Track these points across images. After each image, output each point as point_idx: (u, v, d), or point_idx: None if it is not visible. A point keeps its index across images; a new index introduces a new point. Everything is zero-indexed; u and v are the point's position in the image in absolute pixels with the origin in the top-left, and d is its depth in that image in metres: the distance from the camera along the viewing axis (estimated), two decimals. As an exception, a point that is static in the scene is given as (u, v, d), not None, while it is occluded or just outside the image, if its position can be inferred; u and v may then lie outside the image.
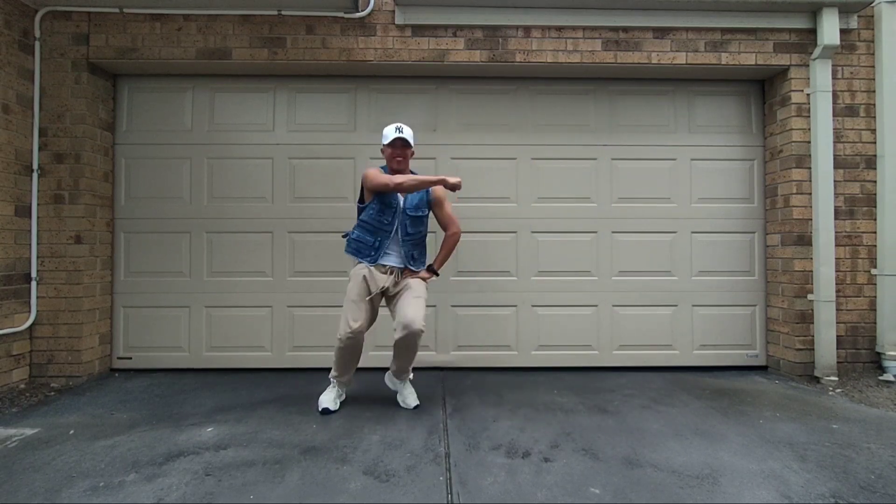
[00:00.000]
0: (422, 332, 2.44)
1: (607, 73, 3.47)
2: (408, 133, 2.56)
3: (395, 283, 2.57)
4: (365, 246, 2.56)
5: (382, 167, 2.63)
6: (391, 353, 3.51)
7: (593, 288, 3.50)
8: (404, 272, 2.60)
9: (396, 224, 2.54)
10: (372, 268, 2.53)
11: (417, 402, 2.63)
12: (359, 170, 3.48)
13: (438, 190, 2.61)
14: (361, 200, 2.64)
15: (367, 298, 2.51)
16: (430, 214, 2.68)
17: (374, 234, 2.55)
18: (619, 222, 3.53)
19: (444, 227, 2.70)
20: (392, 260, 2.58)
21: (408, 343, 2.47)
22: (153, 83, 3.47)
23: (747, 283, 3.55)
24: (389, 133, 2.55)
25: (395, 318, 2.52)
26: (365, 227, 2.58)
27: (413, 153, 2.62)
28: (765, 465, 1.98)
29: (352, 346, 2.52)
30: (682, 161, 3.55)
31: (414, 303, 2.46)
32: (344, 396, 2.71)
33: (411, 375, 2.73)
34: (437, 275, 2.71)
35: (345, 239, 2.68)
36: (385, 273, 2.55)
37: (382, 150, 2.63)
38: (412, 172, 2.63)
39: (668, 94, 3.57)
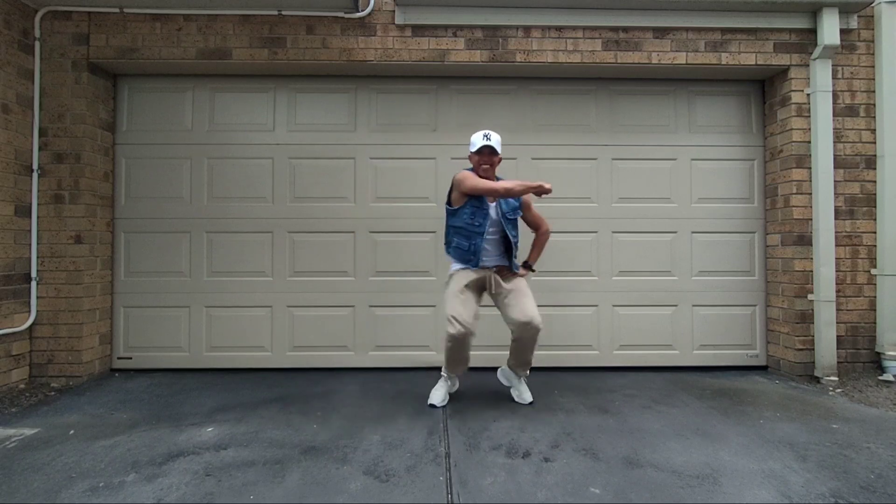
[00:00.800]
0: (540, 328, 2.54)
1: (607, 73, 3.47)
2: (495, 140, 2.58)
3: (497, 283, 2.62)
4: (463, 251, 2.63)
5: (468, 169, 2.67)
6: (390, 353, 3.53)
7: (594, 288, 3.50)
8: (503, 271, 2.66)
9: (487, 226, 2.58)
10: (471, 270, 2.62)
11: (532, 399, 2.72)
12: (359, 170, 3.48)
13: (527, 195, 2.62)
14: (450, 203, 2.66)
15: (469, 292, 2.59)
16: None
17: (468, 238, 2.60)
18: (620, 222, 3.53)
19: (536, 228, 2.81)
20: (491, 260, 2.65)
21: (528, 339, 2.58)
22: (153, 83, 3.47)
23: (747, 283, 3.55)
24: (477, 140, 2.58)
25: (507, 318, 2.61)
26: (460, 232, 2.63)
27: (500, 159, 2.65)
28: (765, 465, 1.98)
29: (461, 342, 2.52)
30: (682, 161, 3.55)
31: (527, 301, 2.58)
32: (455, 388, 2.82)
33: (528, 372, 2.78)
34: (534, 270, 2.85)
35: (445, 246, 2.75)
36: (486, 273, 2.63)
37: (469, 157, 2.65)
38: (497, 179, 2.66)
39: (669, 94, 3.57)
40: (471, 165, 2.65)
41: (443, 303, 2.66)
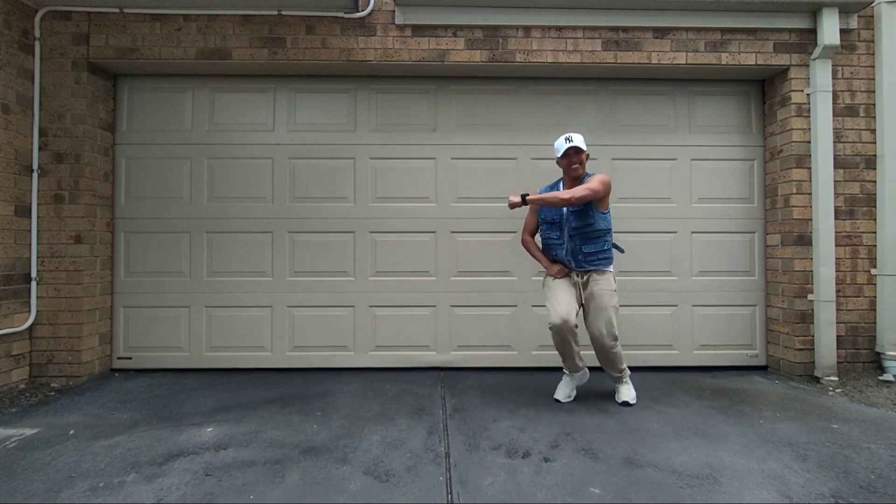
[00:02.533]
0: (609, 345, 2.61)
1: (607, 73, 3.47)
2: (578, 140, 2.61)
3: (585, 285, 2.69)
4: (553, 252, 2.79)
5: (549, 186, 2.82)
6: (390, 353, 3.54)
7: (593, 288, 3.50)
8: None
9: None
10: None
11: (627, 399, 2.70)
12: (359, 170, 3.48)
13: (596, 175, 2.65)
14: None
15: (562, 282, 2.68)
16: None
17: (559, 243, 2.73)
18: (620, 222, 3.50)
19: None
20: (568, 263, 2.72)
21: (599, 353, 2.66)
22: (153, 83, 3.47)
23: (747, 283, 3.55)
24: (561, 146, 2.62)
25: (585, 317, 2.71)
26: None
27: (588, 155, 2.66)
28: (765, 465, 1.98)
29: (559, 334, 2.59)
30: (682, 161, 3.55)
31: (596, 309, 2.63)
32: (586, 377, 2.84)
33: (625, 376, 2.77)
34: (524, 201, 2.61)
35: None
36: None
37: (558, 163, 2.68)
38: (587, 175, 2.69)
39: (668, 94, 3.57)
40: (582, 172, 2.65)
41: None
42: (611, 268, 2.71)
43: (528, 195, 2.56)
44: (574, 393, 2.79)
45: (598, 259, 2.66)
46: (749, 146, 3.57)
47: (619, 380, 2.76)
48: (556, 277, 2.72)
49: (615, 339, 2.62)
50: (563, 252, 2.68)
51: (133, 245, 3.43)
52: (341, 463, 1.98)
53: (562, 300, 2.61)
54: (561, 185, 2.76)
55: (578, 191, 2.53)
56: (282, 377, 3.24)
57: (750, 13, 3.28)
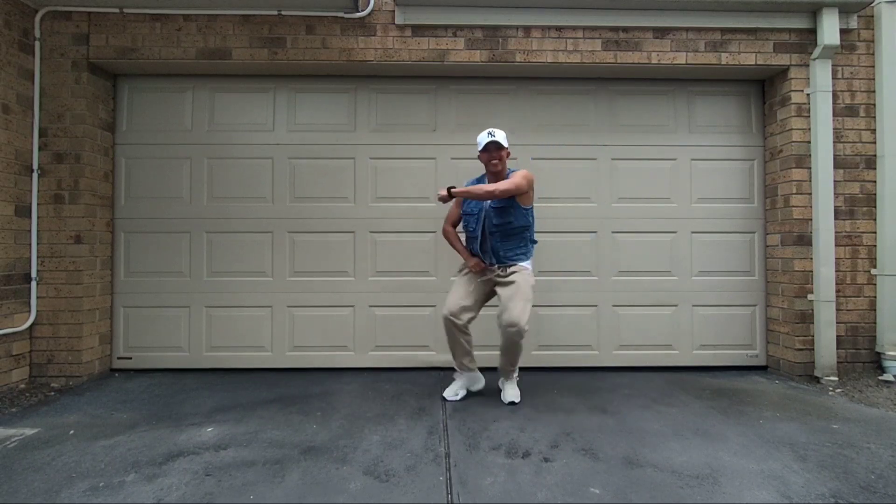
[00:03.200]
0: (524, 330, 2.57)
1: (607, 73, 3.47)
2: (500, 136, 2.63)
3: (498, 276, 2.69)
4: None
5: (475, 179, 2.84)
6: (390, 353, 3.54)
7: (593, 288, 3.50)
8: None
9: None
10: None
11: (513, 399, 2.70)
12: (359, 170, 3.48)
13: (518, 170, 2.69)
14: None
15: (467, 278, 2.73)
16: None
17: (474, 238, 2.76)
18: (619, 222, 3.53)
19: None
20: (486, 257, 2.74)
21: (506, 343, 2.63)
22: (153, 83, 3.47)
23: (747, 283, 3.55)
24: (482, 139, 2.64)
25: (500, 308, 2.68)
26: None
27: (509, 153, 2.68)
28: (765, 465, 1.98)
29: (446, 326, 2.67)
30: (682, 161, 3.55)
31: (514, 299, 2.59)
32: (480, 384, 2.85)
33: (516, 374, 2.79)
34: (450, 194, 2.58)
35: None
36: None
37: (479, 157, 2.70)
38: (509, 171, 2.72)
39: (668, 94, 3.57)
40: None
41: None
42: (528, 263, 2.72)
43: (453, 188, 2.57)
44: (462, 392, 2.78)
45: (515, 255, 2.68)
46: (749, 146, 3.57)
47: (510, 375, 2.77)
48: (472, 271, 2.74)
49: (522, 333, 2.58)
50: (479, 245, 2.71)
51: (133, 245, 3.43)
52: (341, 463, 1.98)
53: (457, 295, 2.68)
54: (486, 179, 2.78)
55: (503, 184, 2.56)
56: (282, 377, 3.24)
57: (750, 13, 3.28)
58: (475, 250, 2.75)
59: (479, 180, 2.82)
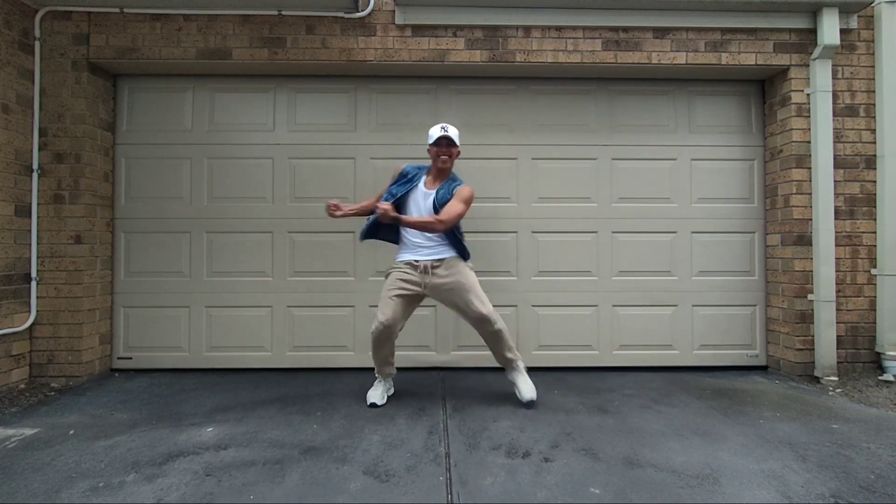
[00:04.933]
0: (492, 318, 2.55)
1: (607, 73, 3.47)
2: (453, 132, 2.59)
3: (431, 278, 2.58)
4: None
5: (418, 167, 2.72)
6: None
7: (593, 288, 3.50)
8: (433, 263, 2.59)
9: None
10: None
11: (531, 397, 2.61)
12: (359, 170, 3.48)
13: (463, 192, 2.58)
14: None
15: (397, 296, 2.58)
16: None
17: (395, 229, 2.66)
18: (619, 222, 3.53)
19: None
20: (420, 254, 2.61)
21: (488, 336, 2.63)
22: (153, 83, 3.47)
23: (747, 283, 3.55)
24: (434, 132, 2.59)
25: (455, 309, 2.65)
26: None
27: (458, 153, 2.65)
28: (765, 465, 1.98)
29: (381, 339, 2.59)
30: (682, 161, 3.55)
31: (468, 293, 2.56)
32: (391, 391, 2.80)
33: (519, 361, 2.72)
34: (395, 217, 2.50)
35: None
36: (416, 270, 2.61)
37: (428, 150, 2.66)
38: (453, 175, 2.68)
39: (668, 94, 3.57)
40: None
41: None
42: (459, 257, 2.65)
43: (400, 217, 2.48)
44: (387, 396, 2.74)
45: (442, 247, 2.60)
46: (749, 146, 3.58)
47: (514, 365, 2.69)
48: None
49: (495, 324, 2.54)
50: (425, 243, 2.60)
51: (133, 245, 3.43)
52: (341, 463, 1.98)
53: (390, 311, 2.53)
54: (424, 174, 2.68)
55: (450, 217, 2.48)
56: (282, 377, 3.24)
57: (750, 13, 3.28)
58: (408, 251, 2.63)
59: (419, 170, 2.69)
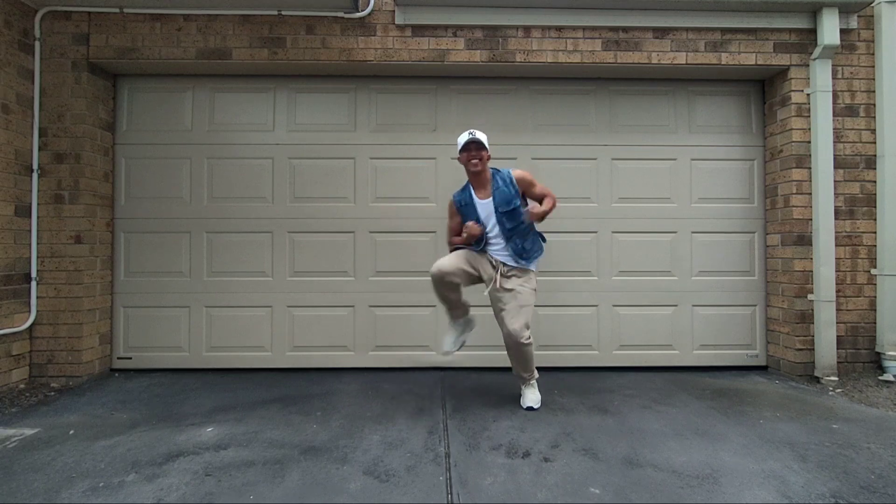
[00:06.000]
0: (521, 342, 2.53)
1: (607, 73, 3.47)
2: (481, 136, 2.58)
3: (498, 280, 2.60)
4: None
5: (460, 190, 2.71)
6: (390, 353, 3.54)
7: (593, 288, 3.50)
8: (509, 270, 2.62)
9: (484, 221, 2.64)
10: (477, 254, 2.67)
11: (532, 405, 2.62)
12: (359, 170, 3.48)
13: (526, 177, 2.65)
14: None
15: (464, 255, 2.63)
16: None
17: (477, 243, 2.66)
18: (619, 222, 3.53)
19: (541, 200, 2.69)
20: (497, 253, 2.64)
21: (510, 350, 2.61)
22: (153, 83, 3.47)
23: (747, 283, 3.55)
24: (463, 139, 2.58)
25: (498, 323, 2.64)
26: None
27: (489, 156, 2.64)
28: (765, 465, 1.98)
29: (438, 282, 2.57)
30: (682, 161, 3.55)
31: (515, 309, 2.56)
32: (471, 327, 2.81)
33: (534, 378, 2.71)
34: (537, 215, 2.56)
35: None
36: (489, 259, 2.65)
37: (459, 158, 2.65)
38: (494, 173, 2.66)
39: (668, 94, 3.57)
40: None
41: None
42: (534, 265, 2.67)
43: (538, 213, 2.52)
44: (462, 341, 2.77)
45: (534, 251, 2.65)
46: (749, 146, 3.57)
47: (526, 382, 2.70)
48: (474, 231, 2.56)
49: (521, 344, 2.54)
50: (502, 249, 2.62)
51: (133, 245, 3.43)
52: (341, 463, 1.98)
53: (451, 259, 2.59)
54: (470, 189, 2.67)
55: (550, 199, 2.61)
56: (282, 377, 3.24)
57: (750, 13, 3.28)
58: (482, 247, 2.65)
59: (466, 190, 2.70)
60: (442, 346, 2.71)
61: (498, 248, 2.64)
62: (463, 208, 2.67)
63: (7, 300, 2.94)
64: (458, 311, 2.74)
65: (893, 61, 3.27)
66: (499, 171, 2.66)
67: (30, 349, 3.10)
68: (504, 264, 2.62)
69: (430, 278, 2.59)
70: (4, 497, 1.73)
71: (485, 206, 2.62)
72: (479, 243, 2.64)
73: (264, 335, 3.43)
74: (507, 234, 2.59)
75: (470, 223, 2.57)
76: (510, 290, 2.58)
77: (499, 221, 2.59)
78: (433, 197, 3.47)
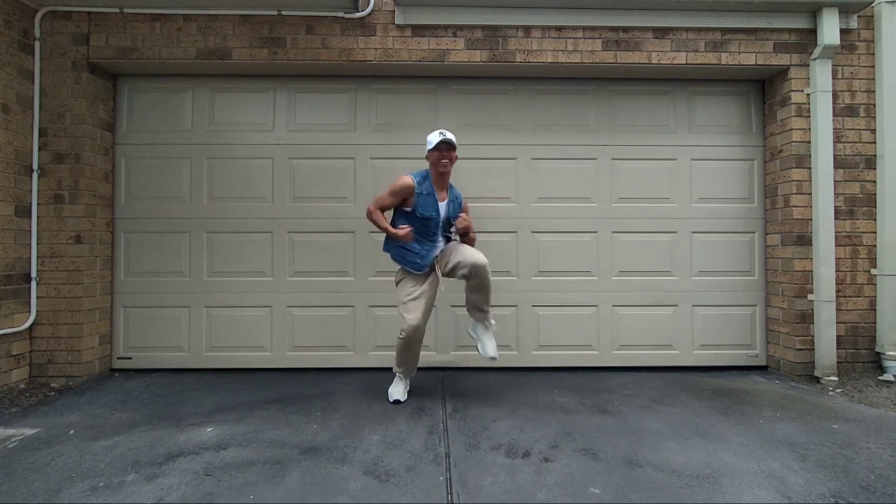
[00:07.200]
0: (487, 264, 2.60)
1: (607, 73, 3.47)
2: (451, 136, 2.64)
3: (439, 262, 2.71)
4: (411, 254, 2.69)
5: (421, 175, 2.70)
6: (390, 353, 3.52)
7: (593, 288, 3.50)
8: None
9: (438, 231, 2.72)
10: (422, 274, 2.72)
11: (494, 355, 2.67)
12: (359, 170, 3.48)
13: (466, 207, 2.89)
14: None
15: (421, 293, 2.67)
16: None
17: (420, 243, 2.68)
18: (619, 222, 3.53)
19: (464, 234, 2.81)
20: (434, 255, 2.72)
21: (478, 280, 2.62)
22: (153, 83, 3.47)
23: (747, 283, 3.55)
24: (433, 138, 2.63)
25: (453, 268, 2.65)
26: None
27: (456, 157, 2.71)
28: (765, 465, 1.98)
29: (411, 342, 2.65)
30: (682, 161, 3.55)
31: (465, 249, 2.64)
32: (408, 387, 2.84)
33: (493, 321, 2.76)
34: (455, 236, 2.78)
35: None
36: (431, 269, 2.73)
37: (427, 156, 2.69)
38: (452, 187, 2.79)
39: (668, 94, 3.57)
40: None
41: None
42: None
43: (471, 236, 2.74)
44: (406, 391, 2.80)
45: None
46: (749, 146, 3.58)
47: (485, 319, 2.72)
48: (407, 239, 2.63)
49: (487, 268, 2.61)
50: (436, 250, 2.71)
51: (133, 245, 3.43)
52: (341, 463, 1.98)
53: (420, 311, 2.62)
54: (429, 181, 2.68)
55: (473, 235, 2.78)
56: (282, 377, 3.24)
57: (750, 13, 3.28)
58: (429, 250, 2.68)
59: (426, 180, 2.67)
60: (393, 396, 2.74)
61: (437, 247, 2.71)
62: (421, 197, 2.63)
63: (7, 300, 2.94)
64: (413, 367, 2.81)
65: (893, 61, 3.27)
66: (451, 185, 2.79)
67: (30, 349, 3.10)
68: (436, 257, 2.71)
69: (402, 339, 2.61)
70: (4, 497, 1.73)
71: (444, 207, 2.71)
72: (422, 260, 2.67)
73: (264, 335, 3.44)
74: (444, 236, 2.76)
75: (409, 230, 2.60)
76: (447, 251, 2.69)
77: (444, 226, 2.72)
78: (433, 197, 3.47)
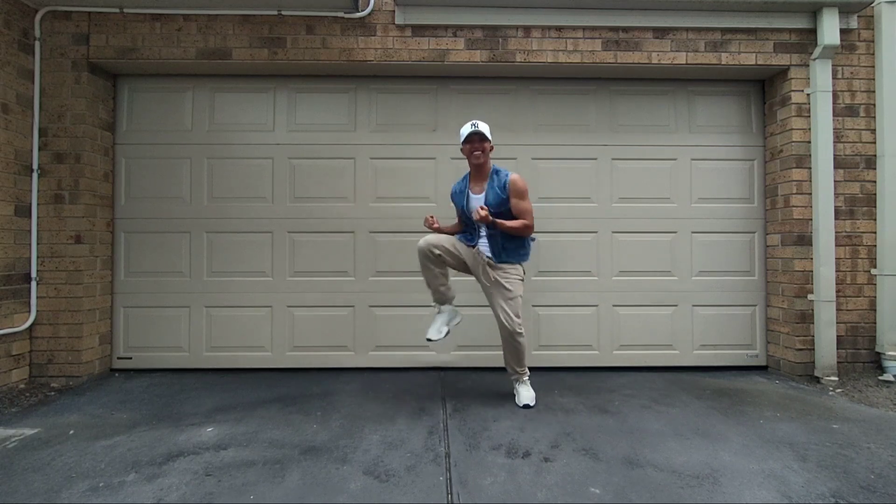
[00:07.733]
0: (511, 330, 2.58)
1: (607, 73, 3.47)
2: (483, 127, 2.60)
3: (484, 271, 2.66)
4: (463, 234, 2.79)
5: (461, 180, 2.77)
6: (390, 353, 3.53)
7: (594, 288, 3.50)
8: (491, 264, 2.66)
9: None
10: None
11: (528, 402, 2.64)
12: (359, 170, 3.48)
13: (517, 185, 2.62)
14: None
15: (451, 240, 2.70)
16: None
17: (465, 230, 2.79)
18: (620, 222, 3.53)
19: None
20: (484, 248, 2.68)
21: (505, 342, 2.65)
22: (153, 83, 3.47)
23: (747, 283, 3.55)
24: (465, 130, 2.62)
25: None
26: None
27: (492, 147, 2.67)
28: (765, 465, 1.98)
29: (423, 255, 2.64)
30: (682, 161, 3.55)
31: (496, 299, 2.62)
32: (456, 320, 2.78)
33: (526, 375, 2.75)
34: (491, 221, 2.55)
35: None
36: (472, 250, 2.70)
37: (462, 149, 2.69)
38: (493, 168, 2.68)
39: (668, 94, 3.57)
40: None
41: None
42: (519, 262, 2.69)
43: (496, 221, 2.53)
44: (445, 330, 2.71)
45: (513, 254, 2.65)
46: (749, 146, 3.57)
47: (519, 379, 2.73)
48: (426, 224, 2.72)
49: (514, 334, 2.58)
50: (476, 239, 2.68)
51: (133, 245, 3.43)
52: (341, 463, 1.98)
53: (439, 236, 2.67)
54: (467, 179, 2.73)
55: (529, 218, 2.61)
56: (282, 377, 3.24)
57: (750, 13, 3.28)
58: (470, 237, 2.71)
59: (464, 180, 2.74)
60: (427, 334, 2.68)
61: (483, 244, 2.68)
62: (455, 196, 2.78)
63: (7, 300, 2.94)
64: (442, 292, 2.73)
65: (893, 61, 3.27)
66: (499, 171, 2.67)
67: (30, 349, 3.10)
68: (488, 258, 2.66)
69: (417, 252, 2.67)
70: (4, 497, 1.73)
71: (477, 201, 2.65)
72: (472, 238, 2.70)
73: (264, 335, 3.44)
74: (489, 232, 2.63)
75: (429, 216, 2.71)
76: (496, 284, 2.62)
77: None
78: (433, 197, 3.47)
